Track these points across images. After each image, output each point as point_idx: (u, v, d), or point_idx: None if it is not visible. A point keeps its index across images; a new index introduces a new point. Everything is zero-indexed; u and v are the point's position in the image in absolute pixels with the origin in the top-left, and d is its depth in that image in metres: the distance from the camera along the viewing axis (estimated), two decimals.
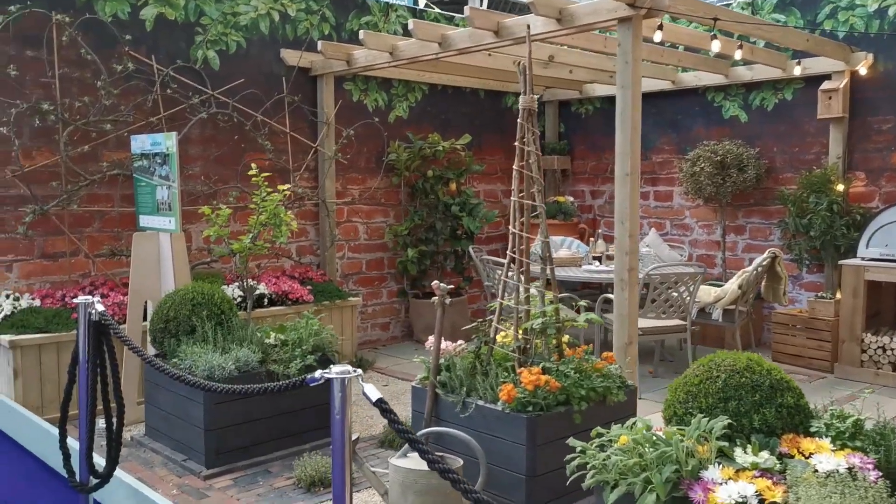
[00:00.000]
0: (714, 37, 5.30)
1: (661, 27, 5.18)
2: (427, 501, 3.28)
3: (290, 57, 6.66)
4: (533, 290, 3.89)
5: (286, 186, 5.20)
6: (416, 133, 7.57)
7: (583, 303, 4.04)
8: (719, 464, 2.59)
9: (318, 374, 2.25)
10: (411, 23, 5.61)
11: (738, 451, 2.66)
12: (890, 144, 6.44)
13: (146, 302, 5.10)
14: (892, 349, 5.91)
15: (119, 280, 5.72)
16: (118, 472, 3.51)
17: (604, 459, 2.69)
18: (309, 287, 6.32)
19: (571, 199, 8.58)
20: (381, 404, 2.19)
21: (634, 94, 4.69)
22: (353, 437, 2.30)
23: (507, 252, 3.89)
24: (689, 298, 5.85)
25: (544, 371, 3.64)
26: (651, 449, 2.63)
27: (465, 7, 5.25)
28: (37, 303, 5.24)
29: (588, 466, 2.75)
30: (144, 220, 5.27)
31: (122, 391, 3.49)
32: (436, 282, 3.99)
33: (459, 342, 4.08)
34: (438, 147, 7.33)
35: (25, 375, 4.88)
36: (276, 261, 6.70)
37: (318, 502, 3.77)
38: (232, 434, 4.21)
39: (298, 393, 4.31)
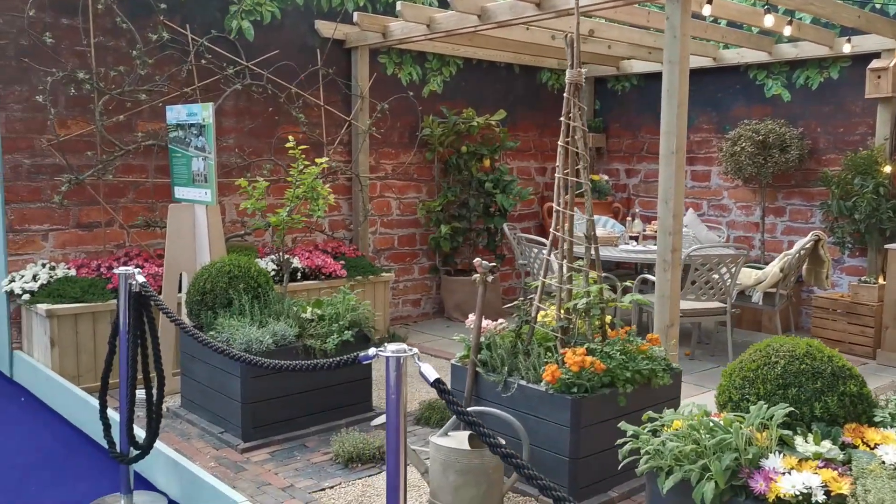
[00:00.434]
0: (767, 10, 5.13)
1: (710, 1, 5.02)
2: (468, 481, 3.24)
3: (325, 28, 6.55)
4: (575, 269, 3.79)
5: (323, 159, 5.12)
6: (450, 108, 7.46)
7: (628, 282, 3.94)
8: (780, 453, 2.50)
9: (371, 351, 2.19)
10: None
11: (798, 440, 2.57)
12: None
13: (181, 274, 5.07)
14: None
15: (153, 251, 5.70)
16: (158, 444, 3.51)
17: (658, 445, 2.61)
18: (342, 262, 6.27)
19: (606, 177, 8.44)
20: (438, 385, 2.13)
21: (682, 69, 4.55)
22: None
23: (550, 230, 3.80)
24: (730, 281, 5.72)
25: (588, 352, 3.56)
26: (708, 435, 2.55)
27: None
28: (72, 272, 5.23)
29: (641, 451, 2.67)
30: (179, 192, 5.22)
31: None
32: (478, 259, 3.90)
33: (500, 321, 4.00)
34: (473, 123, 7.21)
35: (62, 345, 4.89)
36: (309, 234, 6.65)
37: (356, 478, 3.74)
38: (268, 408, 4.18)
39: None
